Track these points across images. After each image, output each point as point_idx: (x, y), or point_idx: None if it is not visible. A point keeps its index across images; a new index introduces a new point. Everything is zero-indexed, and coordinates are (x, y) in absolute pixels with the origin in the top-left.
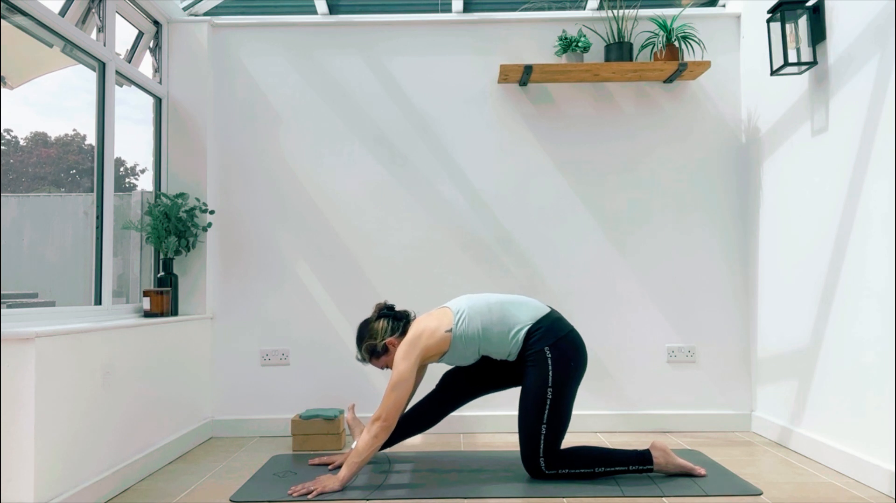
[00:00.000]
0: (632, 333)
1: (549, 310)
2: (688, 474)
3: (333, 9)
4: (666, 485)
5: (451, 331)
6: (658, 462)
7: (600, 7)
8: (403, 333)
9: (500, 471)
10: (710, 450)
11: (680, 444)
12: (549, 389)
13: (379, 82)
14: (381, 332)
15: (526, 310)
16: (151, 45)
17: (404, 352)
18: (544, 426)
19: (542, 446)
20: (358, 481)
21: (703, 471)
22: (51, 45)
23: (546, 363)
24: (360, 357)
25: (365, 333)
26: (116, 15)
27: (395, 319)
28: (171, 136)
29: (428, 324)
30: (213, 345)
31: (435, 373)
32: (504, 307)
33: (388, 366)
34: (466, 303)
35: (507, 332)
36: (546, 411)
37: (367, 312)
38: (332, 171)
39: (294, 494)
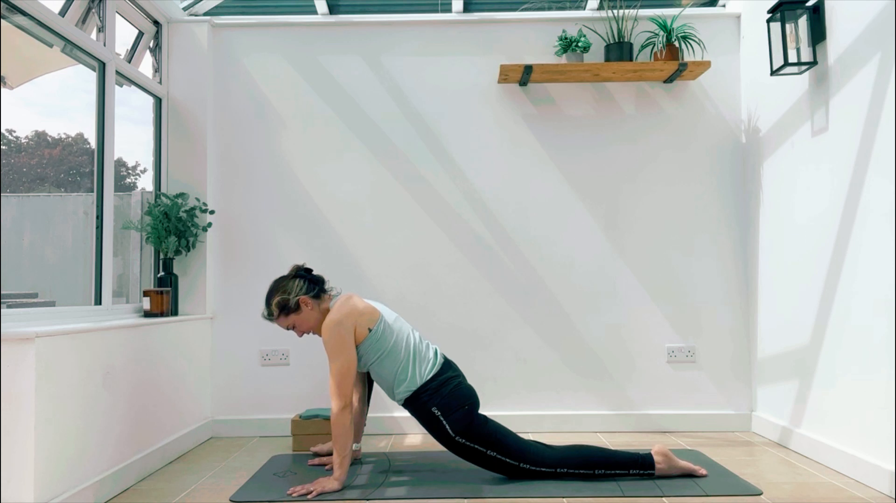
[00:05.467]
0: (632, 333)
1: (439, 368)
2: (689, 475)
3: (333, 9)
4: (666, 485)
5: (371, 329)
6: (660, 467)
7: (600, 7)
8: (317, 296)
9: None
10: (710, 450)
11: (680, 444)
12: (457, 437)
13: (379, 82)
14: (295, 289)
15: (422, 368)
16: (151, 45)
17: (337, 338)
18: (490, 451)
19: (508, 460)
20: (358, 481)
21: (704, 472)
22: (51, 45)
23: (439, 421)
24: (267, 313)
25: (278, 288)
26: (116, 15)
27: (311, 281)
28: (171, 136)
29: (357, 305)
30: (213, 345)
31: None
32: (411, 354)
33: (295, 326)
34: (391, 318)
35: (396, 376)
36: (475, 446)
37: None
38: (332, 170)
39: (294, 495)
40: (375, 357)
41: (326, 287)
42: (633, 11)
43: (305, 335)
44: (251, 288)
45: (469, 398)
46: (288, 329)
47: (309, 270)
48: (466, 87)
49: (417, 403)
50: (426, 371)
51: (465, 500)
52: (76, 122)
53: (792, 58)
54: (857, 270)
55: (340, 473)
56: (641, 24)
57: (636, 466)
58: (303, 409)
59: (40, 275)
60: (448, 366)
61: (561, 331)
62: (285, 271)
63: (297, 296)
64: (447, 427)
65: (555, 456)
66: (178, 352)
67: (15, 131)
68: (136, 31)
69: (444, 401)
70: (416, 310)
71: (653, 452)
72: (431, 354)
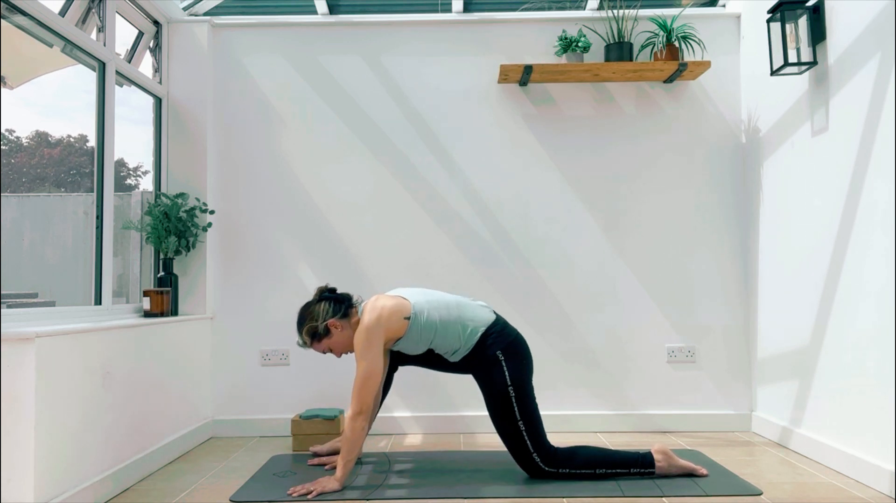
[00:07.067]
0: (632, 333)
1: (495, 315)
2: (689, 474)
3: (333, 9)
4: (666, 485)
5: (409, 318)
6: (661, 466)
7: (600, 7)
8: (345, 315)
9: (499, 471)
10: (710, 450)
11: (680, 444)
12: (510, 387)
13: (379, 82)
14: (322, 314)
15: (479, 313)
16: (151, 45)
17: (365, 342)
18: (521, 422)
19: (528, 442)
20: (358, 481)
21: (704, 472)
22: (51, 45)
23: (501, 365)
24: (301, 341)
25: (306, 316)
26: (116, 15)
27: (336, 301)
28: (171, 136)
29: (384, 305)
30: (213, 345)
31: None
32: (460, 308)
33: (331, 349)
34: (423, 297)
35: (461, 332)
36: (516, 408)
37: None
38: (332, 170)
39: (294, 495)
40: (432, 334)
41: (354, 301)
42: (633, 11)
43: (344, 355)
44: (251, 288)
45: (529, 354)
46: (325, 353)
47: (333, 290)
48: (466, 87)
49: (483, 346)
50: (485, 316)
51: (465, 500)
52: (76, 122)
53: (792, 58)
54: (858, 270)
55: (342, 474)
56: (641, 24)
57: (637, 465)
58: (303, 409)
59: (40, 276)
60: (499, 317)
61: (561, 331)
62: (284, 271)
63: (324, 320)
64: (506, 373)
65: (558, 457)
66: (178, 352)
67: (15, 131)
68: (136, 31)
69: (510, 347)
70: None
71: (653, 451)
72: (479, 304)
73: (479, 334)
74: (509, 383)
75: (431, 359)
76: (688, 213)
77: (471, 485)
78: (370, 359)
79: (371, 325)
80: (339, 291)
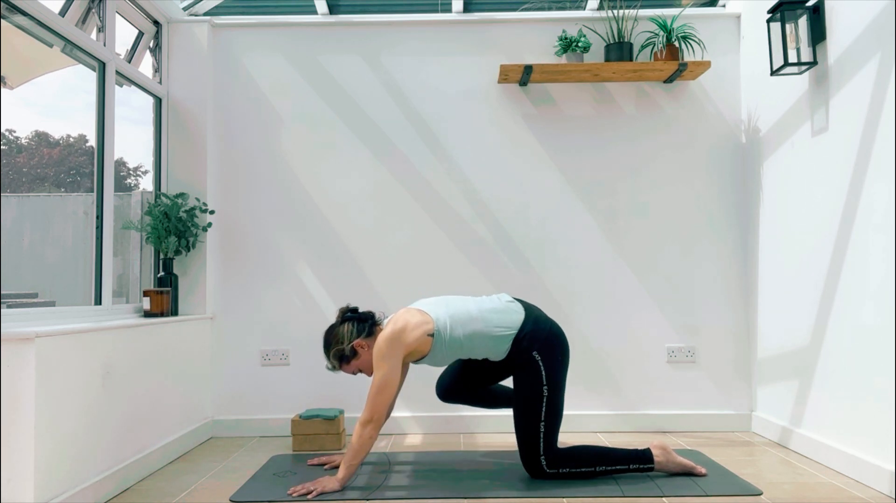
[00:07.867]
0: (632, 333)
1: (525, 311)
2: (688, 473)
3: (333, 9)
4: (666, 484)
5: (432, 335)
6: (659, 461)
7: (600, 7)
8: (370, 334)
9: (500, 471)
10: (710, 450)
11: (680, 444)
12: (545, 387)
13: (379, 82)
14: (346, 336)
15: (506, 317)
16: (151, 45)
17: (385, 351)
18: (542, 423)
19: (541, 444)
20: (358, 481)
21: (703, 471)
22: (51, 45)
23: (538, 366)
24: (329, 366)
25: (331, 340)
26: (116, 15)
27: (359, 321)
28: (171, 136)
29: (409, 320)
30: (213, 345)
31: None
32: (485, 316)
33: (361, 369)
34: (445, 312)
35: (490, 343)
36: (544, 407)
37: None
38: (332, 170)
39: (294, 494)
40: (458, 349)
41: (377, 318)
42: (633, 11)
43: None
44: (251, 288)
45: (565, 344)
46: (356, 374)
47: (355, 310)
48: (466, 87)
49: (519, 350)
50: (513, 318)
51: (465, 500)
52: (76, 122)
53: (792, 58)
54: (857, 270)
55: (344, 476)
56: (641, 24)
57: (636, 461)
58: (303, 409)
59: (40, 276)
60: (525, 303)
61: None
62: (284, 271)
63: (349, 342)
64: (543, 373)
65: (559, 457)
66: (178, 352)
67: (15, 131)
68: (136, 31)
69: (546, 344)
70: None
71: (651, 446)
72: (504, 302)
73: (511, 340)
74: (545, 383)
75: (480, 379)
76: (688, 213)
77: (471, 485)
78: (387, 369)
79: (392, 336)
80: (360, 309)
